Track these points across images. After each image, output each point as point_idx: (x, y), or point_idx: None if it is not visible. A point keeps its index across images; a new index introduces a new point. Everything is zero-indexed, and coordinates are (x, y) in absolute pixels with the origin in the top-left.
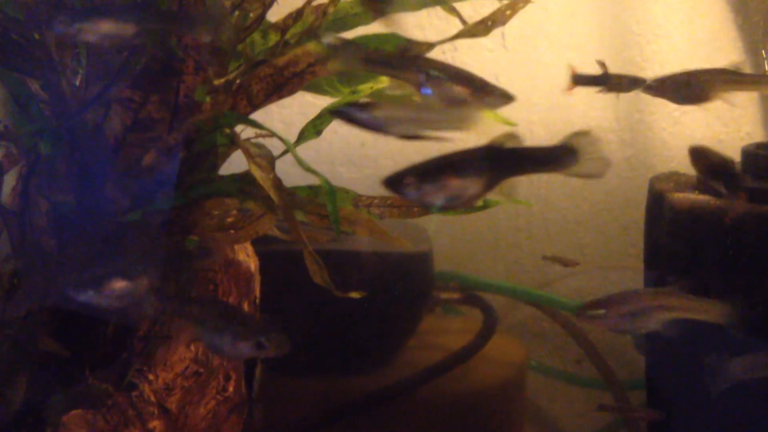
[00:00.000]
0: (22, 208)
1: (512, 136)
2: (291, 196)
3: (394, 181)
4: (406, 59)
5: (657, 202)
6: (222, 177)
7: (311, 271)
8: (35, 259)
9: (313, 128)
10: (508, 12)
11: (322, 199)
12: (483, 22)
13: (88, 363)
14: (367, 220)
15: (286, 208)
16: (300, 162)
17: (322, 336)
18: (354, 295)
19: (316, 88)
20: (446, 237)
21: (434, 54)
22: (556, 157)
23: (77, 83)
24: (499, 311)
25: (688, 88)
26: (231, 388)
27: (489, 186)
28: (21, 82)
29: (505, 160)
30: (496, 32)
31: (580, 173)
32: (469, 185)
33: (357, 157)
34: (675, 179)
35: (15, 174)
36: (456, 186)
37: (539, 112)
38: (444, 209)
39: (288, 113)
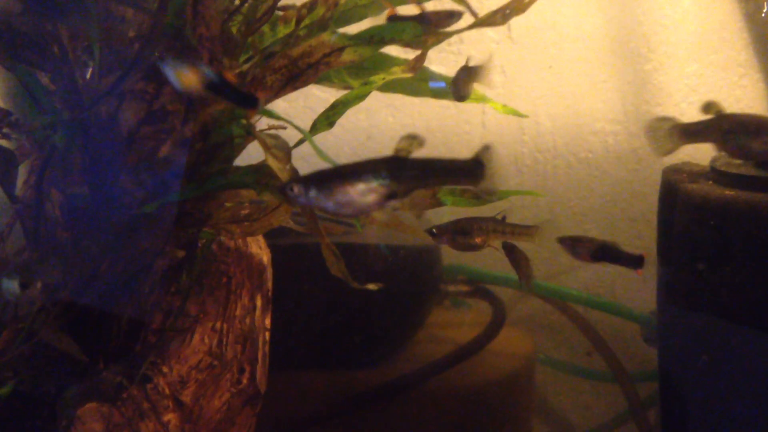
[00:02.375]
0: (37, 201)
1: (415, 137)
2: None
3: (281, 187)
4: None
5: (670, 192)
6: (238, 168)
7: (329, 263)
8: (49, 252)
9: (326, 120)
10: (526, 1)
11: None
12: (501, 10)
13: (102, 356)
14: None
15: None
16: (318, 152)
17: (330, 329)
18: (371, 286)
19: (325, 81)
20: None
21: (439, 46)
22: (467, 171)
23: (87, 75)
24: (506, 303)
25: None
26: (245, 381)
27: (391, 195)
28: (32, 75)
29: (407, 171)
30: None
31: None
32: (365, 194)
33: (362, 150)
34: (688, 170)
35: (25, 167)
36: (350, 194)
37: (545, 105)
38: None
39: (293, 106)
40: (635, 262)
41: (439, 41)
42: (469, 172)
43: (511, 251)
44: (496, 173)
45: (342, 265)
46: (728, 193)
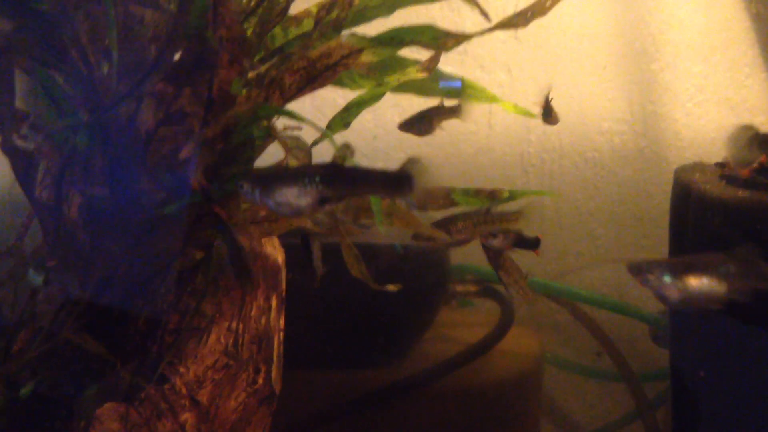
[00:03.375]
0: (56, 202)
1: (348, 147)
2: None
3: (237, 184)
4: None
5: (683, 193)
6: (259, 169)
7: (349, 264)
8: (68, 253)
9: (341, 120)
10: (548, 3)
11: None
12: (523, 13)
13: (120, 356)
14: (404, 212)
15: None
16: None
17: (339, 329)
18: (391, 288)
19: (336, 82)
20: None
21: None
22: (392, 183)
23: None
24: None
25: None
26: (261, 380)
27: (324, 200)
28: (50, 76)
29: (340, 179)
30: None
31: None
32: (299, 198)
33: (369, 150)
34: (700, 170)
35: (40, 168)
36: (286, 195)
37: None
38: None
39: (300, 108)
40: (532, 244)
41: (458, 43)
42: (394, 184)
43: (496, 256)
44: (427, 184)
45: (362, 266)
46: (742, 193)
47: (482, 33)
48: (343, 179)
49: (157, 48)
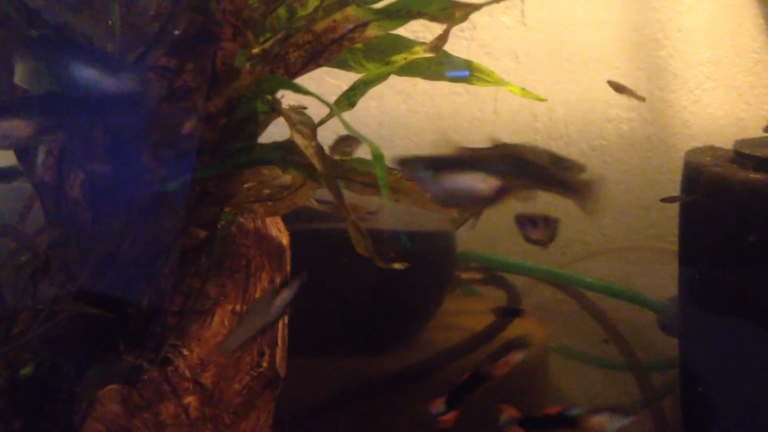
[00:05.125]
0: (57, 180)
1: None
2: (334, 164)
3: None
4: None
5: (694, 176)
6: (263, 145)
7: (354, 241)
8: (70, 232)
9: (347, 100)
10: None
11: (365, 168)
12: None
13: (122, 338)
14: (412, 189)
15: (329, 176)
16: (347, 127)
17: (343, 316)
18: (397, 266)
19: (341, 64)
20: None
21: (451, 32)
22: None
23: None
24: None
25: None
26: (265, 364)
27: None
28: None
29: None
30: (515, 9)
31: None
32: None
33: (374, 137)
34: (711, 153)
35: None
36: None
37: (558, 92)
38: None
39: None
40: None
41: (467, 15)
42: None
43: None
44: None
45: (368, 242)
46: (753, 176)
47: (491, 2)
48: None
49: (160, 23)
